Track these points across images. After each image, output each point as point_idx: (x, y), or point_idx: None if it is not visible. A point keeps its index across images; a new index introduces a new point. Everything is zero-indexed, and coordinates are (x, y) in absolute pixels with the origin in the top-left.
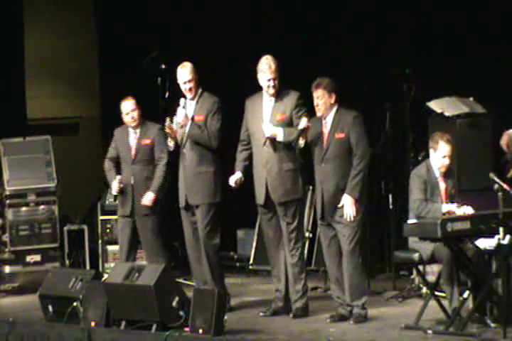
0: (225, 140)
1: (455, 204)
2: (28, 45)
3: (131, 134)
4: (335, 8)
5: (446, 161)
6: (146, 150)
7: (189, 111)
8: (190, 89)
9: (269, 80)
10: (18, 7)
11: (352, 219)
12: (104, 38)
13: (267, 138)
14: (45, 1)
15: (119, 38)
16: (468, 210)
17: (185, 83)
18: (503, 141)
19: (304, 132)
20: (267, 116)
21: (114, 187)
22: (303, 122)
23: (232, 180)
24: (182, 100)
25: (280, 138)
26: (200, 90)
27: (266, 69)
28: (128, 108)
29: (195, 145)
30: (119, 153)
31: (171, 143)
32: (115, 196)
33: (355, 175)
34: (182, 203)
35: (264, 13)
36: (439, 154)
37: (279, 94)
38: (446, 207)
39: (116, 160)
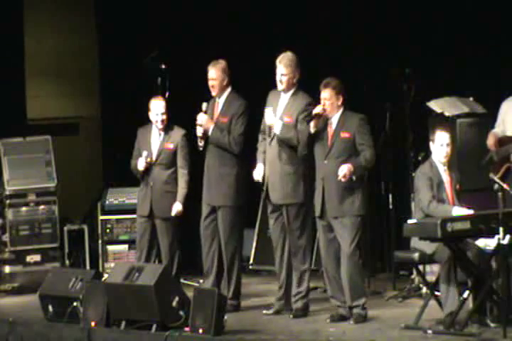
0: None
1: (466, 210)
2: (29, 45)
3: (155, 136)
4: (335, 8)
5: (445, 149)
6: (168, 155)
7: (215, 110)
8: (212, 87)
9: (279, 75)
10: (18, 7)
11: (344, 177)
12: (104, 38)
13: (275, 134)
14: (45, 0)
15: (119, 38)
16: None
17: (209, 80)
18: (490, 142)
19: (316, 118)
20: (279, 113)
21: (141, 162)
22: (318, 108)
23: (257, 175)
24: (204, 104)
25: (277, 130)
26: (229, 90)
27: (277, 63)
28: (159, 109)
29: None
30: (141, 153)
31: (201, 143)
32: (142, 174)
33: (363, 160)
34: (207, 200)
35: (264, 13)
36: (438, 143)
37: (294, 95)
38: (457, 211)
39: None
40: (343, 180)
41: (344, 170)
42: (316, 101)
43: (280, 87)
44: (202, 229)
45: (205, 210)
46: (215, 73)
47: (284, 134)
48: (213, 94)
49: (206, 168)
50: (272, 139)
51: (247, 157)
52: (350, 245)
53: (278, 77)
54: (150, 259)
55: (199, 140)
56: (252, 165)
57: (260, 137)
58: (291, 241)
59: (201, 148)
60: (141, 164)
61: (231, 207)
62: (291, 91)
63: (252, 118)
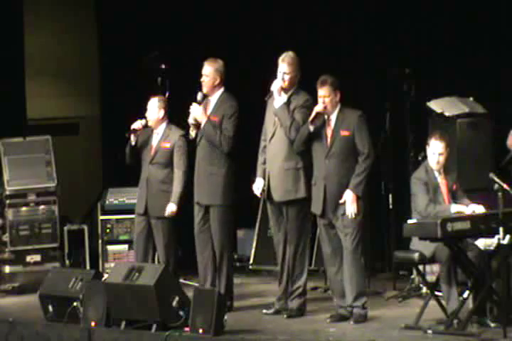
0: (240, 141)
1: (464, 205)
2: (28, 45)
3: (154, 134)
4: (335, 8)
5: (436, 158)
6: (165, 154)
7: (207, 109)
8: (203, 82)
9: (281, 73)
10: (18, 7)
11: (353, 216)
12: (104, 38)
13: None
14: (45, 0)
15: (119, 38)
16: (478, 209)
17: (202, 75)
18: (510, 142)
19: (318, 117)
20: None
21: (137, 122)
22: (319, 106)
23: (256, 189)
24: (199, 94)
25: (277, 104)
26: (222, 89)
27: (280, 61)
28: (148, 107)
29: (209, 143)
30: (141, 149)
31: (192, 132)
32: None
33: (360, 172)
34: (196, 198)
35: (264, 13)
36: (431, 151)
37: (294, 94)
38: (456, 208)
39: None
40: (352, 214)
41: (350, 209)
42: (314, 100)
43: (282, 85)
44: (196, 233)
45: (197, 211)
46: (207, 70)
47: (281, 111)
48: (204, 90)
49: (197, 164)
50: (272, 136)
51: (236, 157)
52: (352, 242)
53: (280, 76)
54: (147, 258)
55: (191, 128)
56: (241, 164)
57: (262, 144)
58: (291, 239)
59: (192, 137)
60: (136, 124)
61: (220, 206)
62: (292, 91)
63: (251, 120)
